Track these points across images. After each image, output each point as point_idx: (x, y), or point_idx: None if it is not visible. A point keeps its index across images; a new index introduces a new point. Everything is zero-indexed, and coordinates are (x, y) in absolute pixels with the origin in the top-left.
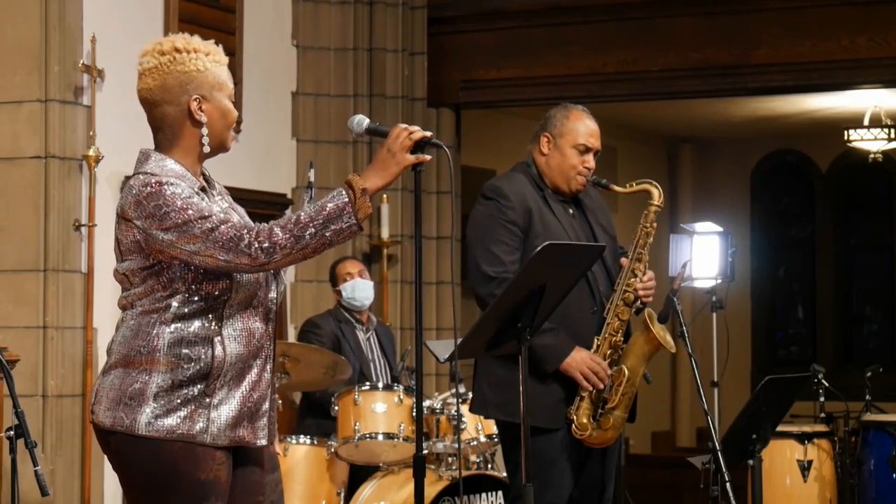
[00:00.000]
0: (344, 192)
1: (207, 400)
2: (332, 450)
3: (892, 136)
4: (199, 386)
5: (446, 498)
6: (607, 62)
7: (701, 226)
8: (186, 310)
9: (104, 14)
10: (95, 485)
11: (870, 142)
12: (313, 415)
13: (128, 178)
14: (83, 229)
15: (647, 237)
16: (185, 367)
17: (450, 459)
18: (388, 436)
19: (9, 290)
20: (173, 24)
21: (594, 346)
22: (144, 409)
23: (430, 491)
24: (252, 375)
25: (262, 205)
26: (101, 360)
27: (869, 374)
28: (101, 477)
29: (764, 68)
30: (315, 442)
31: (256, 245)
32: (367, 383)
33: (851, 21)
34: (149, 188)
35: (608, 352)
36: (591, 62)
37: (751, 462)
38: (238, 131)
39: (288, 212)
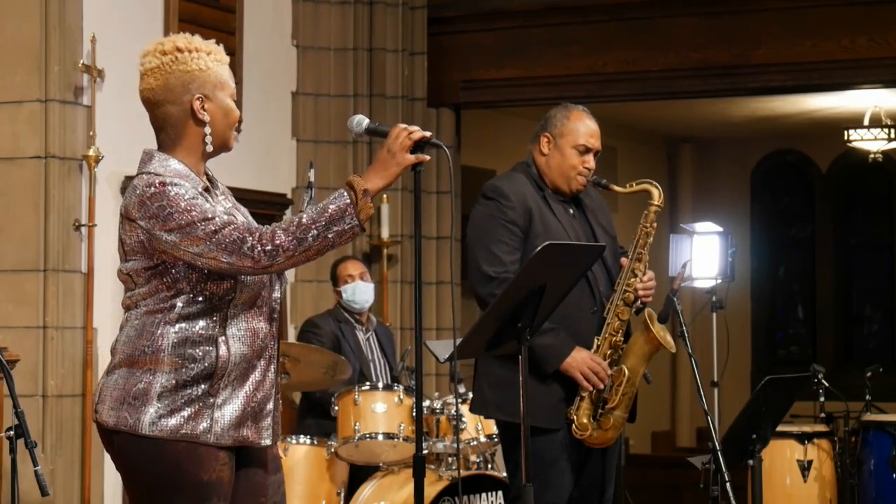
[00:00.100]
0: (345, 194)
1: (211, 400)
2: (332, 450)
3: (892, 136)
4: (203, 386)
5: (446, 498)
6: (607, 62)
7: (701, 226)
8: (191, 310)
9: (104, 14)
10: (95, 485)
11: (870, 142)
12: (313, 415)
13: (128, 178)
14: (83, 229)
15: (647, 237)
16: (190, 367)
17: (450, 459)
18: (388, 436)
19: (9, 290)
20: (173, 24)
21: (594, 346)
22: (148, 409)
23: (430, 491)
24: (256, 375)
25: (262, 205)
26: (102, 360)
27: (869, 374)
28: (101, 477)
29: (764, 68)
30: (315, 442)
31: (259, 248)
32: (367, 383)
33: (851, 21)
34: (152, 188)
35: (608, 352)
36: (591, 62)
37: (751, 462)
38: (238, 131)
39: (288, 212)
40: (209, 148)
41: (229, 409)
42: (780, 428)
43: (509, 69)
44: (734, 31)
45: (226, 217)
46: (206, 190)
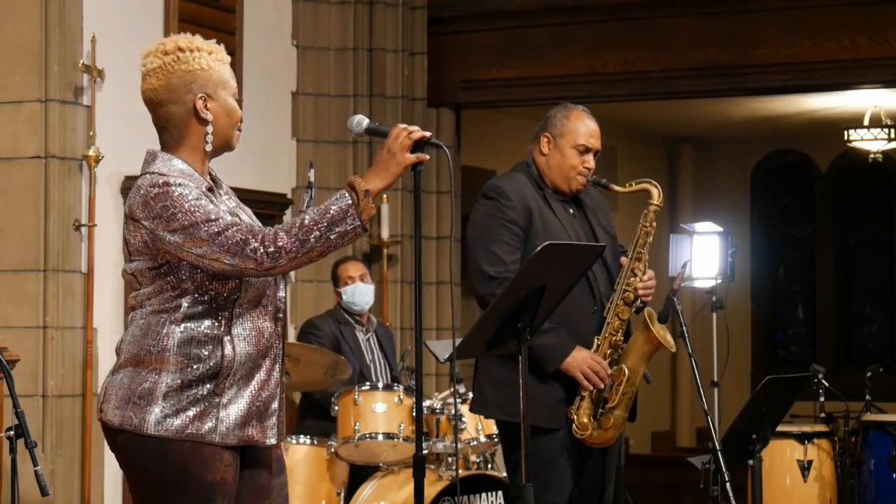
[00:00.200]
0: (347, 195)
1: (217, 399)
2: (332, 450)
3: (892, 136)
4: (208, 385)
5: (446, 498)
6: (607, 62)
7: (701, 226)
8: (196, 309)
9: (104, 14)
10: (95, 485)
11: (870, 142)
12: (313, 415)
13: (128, 178)
14: (83, 229)
15: (646, 237)
16: (195, 366)
17: (450, 459)
18: (388, 436)
19: (9, 290)
20: (173, 24)
21: (594, 346)
22: (154, 409)
23: (430, 491)
24: (261, 374)
25: (262, 205)
26: (102, 360)
27: (869, 374)
28: (101, 477)
29: (764, 68)
30: (315, 442)
31: (262, 250)
32: (367, 383)
33: (851, 21)
34: (156, 189)
35: (608, 351)
36: (591, 62)
37: (751, 462)
38: (239, 130)
39: (288, 212)
40: (208, 147)
41: (234, 408)
42: (780, 428)
43: (509, 69)
44: (734, 31)
45: (229, 218)
46: (210, 190)
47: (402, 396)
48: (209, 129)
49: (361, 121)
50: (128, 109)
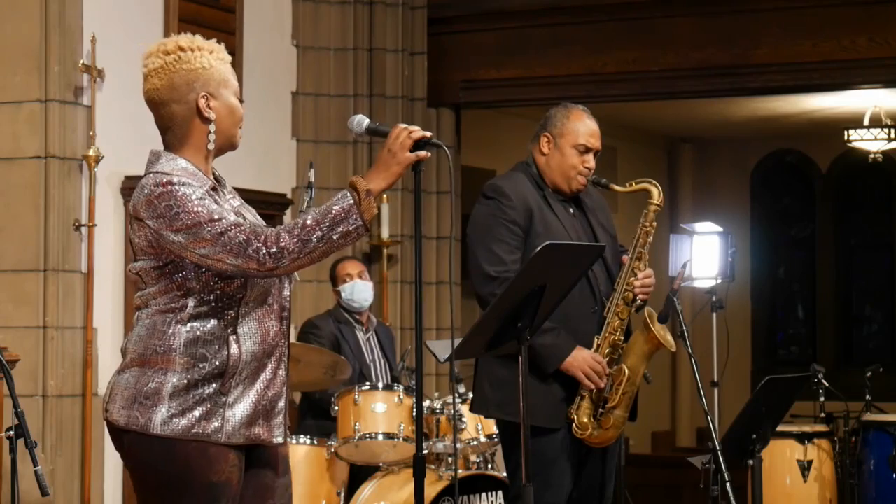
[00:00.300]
0: (348, 195)
1: (223, 399)
2: (332, 450)
3: (892, 136)
4: (214, 385)
5: (446, 498)
6: (607, 62)
7: (701, 226)
8: (202, 309)
9: (104, 14)
10: (95, 485)
11: (870, 142)
12: (313, 415)
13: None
14: (83, 229)
15: (646, 236)
16: (201, 366)
17: (450, 459)
18: (388, 436)
19: (9, 290)
20: (173, 24)
21: (594, 346)
22: (160, 409)
23: (430, 491)
24: (267, 374)
25: (262, 205)
26: (101, 360)
27: (869, 374)
28: (101, 477)
29: (764, 68)
30: (315, 442)
31: (265, 251)
32: (367, 383)
33: (851, 21)
34: (160, 188)
35: (608, 351)
36: (591, 62)
37: (751, 462)
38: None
39: (288, 212)
40: (211, 145)
41: (240, 407)
42: (780, 428)
43: (509, 69)
44: (734, 31)
45: (232, 218)
46: (214, 189)
47: (402, 396)
48: (212, 127)
49: (362, 121)
50: (128, 109)
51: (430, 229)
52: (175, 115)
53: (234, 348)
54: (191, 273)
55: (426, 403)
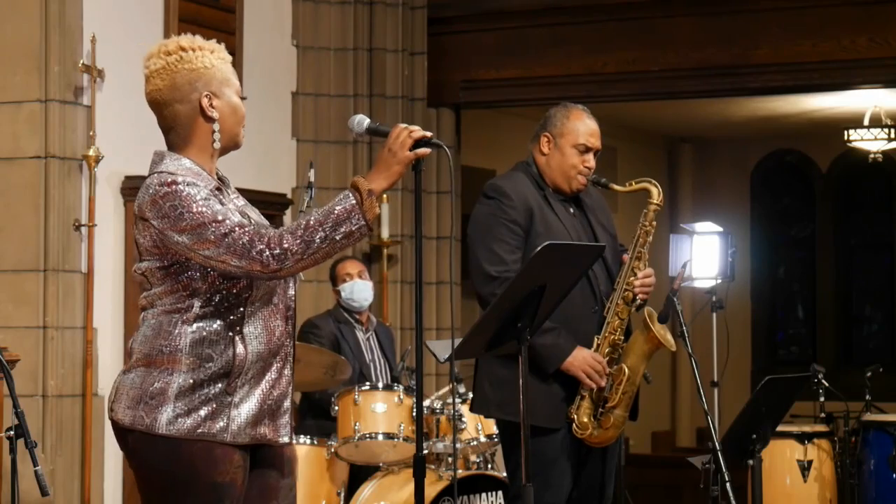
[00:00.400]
0: (350, 195)
1: (228, 398)
2: (332, 450)
3: (892, 136)
4: (219, 385)
5: (446, 498)
6: (607, 62)
7: (701, 226)
8: (208, 309)
9: (104, 14)
10: (95, 485)
11: (870, 142)
12: (313, 415)
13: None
14: (83, 229)
15: (646, 236)
16: (207, 366)
17: (450, 459)
18: (388, 436)
19: (9, 290)
20: (173, 24)
21: (594, 345)
22: (165, 409)
23: (430, 491)
24: (272, 373)
25: (262, 205)
26: (102, 360)
27: (869, 374)
28: (101, 477)
29: (764, 68)
30: (315, 442)
31: (268, 252)
32: (367, 383)
33: (851, 21)
34: (165, 188)
35: (608, 350)
36: (591, 62)
37: (751, 462)
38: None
39: (288, 212)
40: (216, 144)
41: (246, 407)
42: (780, 428)
43: (509, 69)
44: (734, 31)
45: (236, 219)
46: (218, 189)
47: (402, 396)
48: (216, 126)
49: (362, 121)
50: (128, 109)
51: (430, 229)
52: (178, 115)
53: (239, 348)
54: (196, 273)
55: (426, 403)
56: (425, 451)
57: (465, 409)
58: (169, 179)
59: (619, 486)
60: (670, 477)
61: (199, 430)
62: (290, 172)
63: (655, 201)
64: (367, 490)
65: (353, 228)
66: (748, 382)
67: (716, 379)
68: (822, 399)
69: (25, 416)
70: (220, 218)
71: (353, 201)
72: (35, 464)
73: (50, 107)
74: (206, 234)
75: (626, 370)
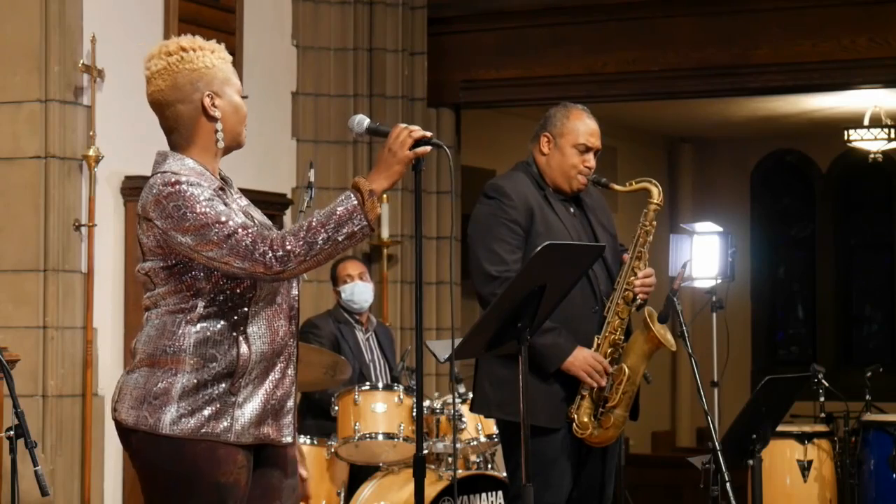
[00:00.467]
0: (352, 196)
1: (232, 398)
2: (332, 450)
3: (892, 136)
4: (223, 385)
5: (446, 498)
6: (607, 62)
7: (701, 226)
8: (212, 309)
9: (104, 14)
10: (95, 485)
11: (870, 142)
12: (313, 415)
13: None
14: (83, 229)
15: (646, 236)
16: (210, 366)
17: (450, 459)
18: (388, 436)
19: (9, 290)
20: (173, 24)
21: (595, 345)
22: (169, 409)
23: (430, 491)
24: (276, 373)
25: (262, 205)
26: (102, 360)
27: (869, 374)
28: (101, 477)
29: (764, 68)
30: (315, 442)
31: (271, 254)
32: (367, 383)
33: (851, 21)
34: (168, 188)
35: (608, 350)
36: (591, 62)
37: (751, 462)
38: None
39: (288, 212)
40: (220, 144)
41: (250, 407)
42: (780, 428)
43: (509, 69)
44: (734, 31)
45: (240, 220)
46: (222, 189)
47: (402, 396)
48: (219, 126)
49: (362, 121)
50: (128, 109)
51: (430, 229)
52: (180, 116)
53: (243, 348)
54: (200, 273)
55: (426, 403)
56: (425, 451)
57: (465, 409)
58: (172, 179)
59: (619, 486)
60: (670, 477)
61: (203, 431)
62: (290, 172)
63: (655, 201)
64: (367, 490)
65: (356, 229)
66: (748, 382)
67: (716, 379)
68: (822, 399)
69: (25, 416)
70: (223, 219)
71: (355, 202)
72: (35, 464)
73: (50, 107)
74: (209, 236)
75: (627, 370)
